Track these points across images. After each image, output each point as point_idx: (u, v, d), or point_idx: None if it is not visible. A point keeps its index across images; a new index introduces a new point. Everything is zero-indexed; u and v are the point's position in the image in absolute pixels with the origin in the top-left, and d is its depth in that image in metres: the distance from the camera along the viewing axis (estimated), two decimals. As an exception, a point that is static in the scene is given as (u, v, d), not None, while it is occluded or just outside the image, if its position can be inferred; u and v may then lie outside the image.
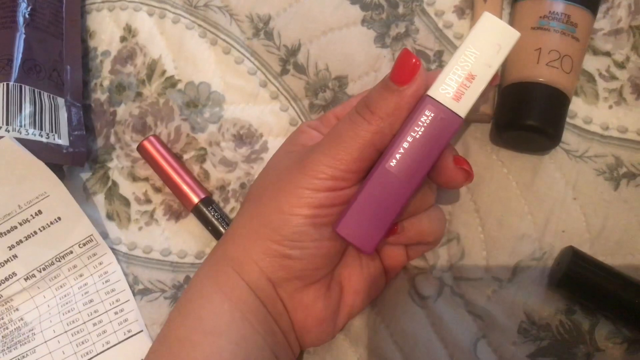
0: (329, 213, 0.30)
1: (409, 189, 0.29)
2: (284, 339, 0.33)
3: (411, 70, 0.29)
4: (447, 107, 0.29)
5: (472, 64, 0.29)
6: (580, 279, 0.36)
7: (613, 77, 0.40)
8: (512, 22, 0.40)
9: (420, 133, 0.29)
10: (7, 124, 0.37)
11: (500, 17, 0.40)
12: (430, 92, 0.29)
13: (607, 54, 0.40)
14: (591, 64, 0.40)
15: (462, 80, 0.29)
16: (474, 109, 0.30)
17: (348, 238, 0.30)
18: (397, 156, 0.29)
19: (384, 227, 0.30)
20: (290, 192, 0.31)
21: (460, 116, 0.29)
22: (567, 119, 0.39)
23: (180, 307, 0.32)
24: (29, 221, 0.39)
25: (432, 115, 0.29)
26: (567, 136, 0.39)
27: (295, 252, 0.31)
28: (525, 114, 0.36)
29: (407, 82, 0.29)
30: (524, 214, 0.38)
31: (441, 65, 0.41)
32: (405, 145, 0.29)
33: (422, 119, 0.29)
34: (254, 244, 0.31)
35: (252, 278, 0.31)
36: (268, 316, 0.32)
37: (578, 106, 0.40)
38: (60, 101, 0.41)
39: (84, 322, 0.39)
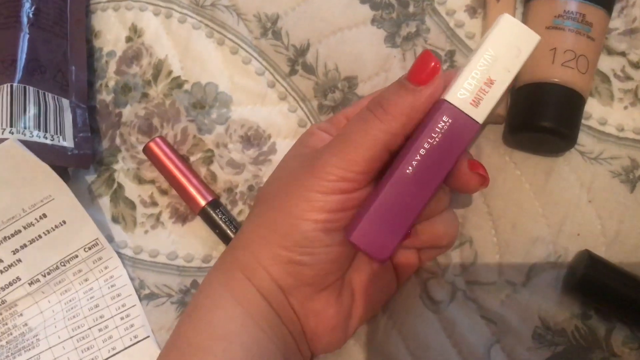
0: (339, 218, 0.30)
1: (425, 196, 0.29)
2: (295, 345, 0.32)
3: (431, 72, 0.28)
4: (465, 113, 0.28)
5: (491, 68, 0.28)
6: (596, 283, 0.35)
7: (628, 78, 0.39)
8: (525, 22, 0.39)
9: (437, 139, 0.28)
10: (11, 126, 0.37)
11: (514, 16, 0.40)
12: (448, 97, 0.28)
13: (622, 53, 0.40)
14: (606, 64, 0.40)
15: (480, 85, 0.28)
16: (491, 113, 0.29)
17: (362, 247, 0.29)
18: (414, 163, 0.28)
19: (399, 235, 0.29)
20: (300, 195, 0.30)
21: (478, 122, 0.28)
22: (582, 120, 0.38)
23: (190, 312, 0.32)
24: (33, 225, 0.38)
25: (450, 121, 0.28)
26: (582, 138, 0.39)
27: (305, 258, 0.30)
28: (540, 115, 0.35)
29: (425, 82, 0.28)
30: (538, 216, 0.38)
31: (452, 66, 0.41)
32: (422, 151, 0.28)
33: (439, 125, 0.28)
34: (263, 249, 0.31)
35: (263, 285, 0.31)
36: (279, 322, 0.31)
37: (593, 107, 0.39)
38: (65, 102, 0.40)
39: (90, 328, 0.38)
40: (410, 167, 0.28)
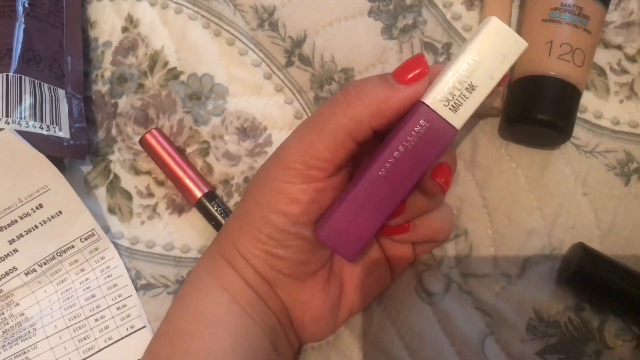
0: (310, 210, 0.29)
1: (396, 199, 0.28)
2: (283, 333, 0.33)
3: (416, 75, 0.28)
4: (443, 118, 0.27)
5: (473, 74, 0.27)
6: (590, 276, 0.35)
7: (624, 71, 0.39)
8: (522, 15, 0.39)
9: (412, 142, 0.27)
10: (7, 116, 0.37)
11: (511, 9, 0.40)
12: (427, 100, 0.27)
13: (619, 47, 0.40)
14: (602, 57, 0.40)
15: (461, 90, 0.27)
16: (472, 117, 0.28)
17: (330, 244, 0.28)
18: (387, 165, 0.28)
19: (367, 235, 0.28)
20: (268, 186, 0.30)
21: (455, 128, 0.27)
22: (578, 114, 0.38)
23: (179, 299, 0.32)
24: (29, 215, 0.38)
25: (427, 125, 0.27)
26: (577, 131, 0.39)
27: (279, 251, 0.30)
28: (536, 107, 0.35)
29: (407, 83, 0.28)
30: (533, 209, 0.38)
31: (449, 58, 0.41)
32: (396, 154, 0.27)
33: (416, 128, 0.27)
34: (242, 242, 0.31)
35: (247, 275, 0.31)
36: (266, 309, 0.31)
37: (588, 100, 0.39)
38: (61, 93, 0.40)
39: (86, 318, 0.38)
40: (383, 169, 0.28)
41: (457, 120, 0.27)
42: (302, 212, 0.29)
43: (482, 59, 0.27)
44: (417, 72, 0.28)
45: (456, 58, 0.27)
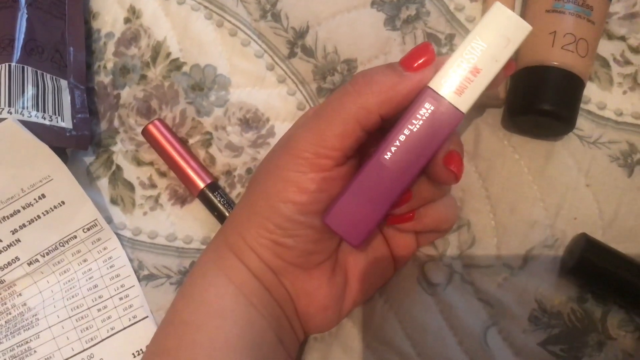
0: (318, 199, 0.29)
1: (402, 184, 0.28)
2: (288, 323, 0.33)
3: (424, 62, 0.28)
4: (449, 101, 0.27)
5: (478, 57, 0.27)
6: (592, 266, 0.35)
7: (627, 62, 0.39)
8: (526, 5, 0.39)
9: (418, 126, 0.27)
10: (9, 106, 0.37)
11: (514, 0, 0.40)
12: (432, 84, 0.28)
13: (622, 38, 0.40)
14: (605, 48, 0.40)
15: (466, 73, 0.27)
16: (477, 103, 0.28)
17: (336, 229, 0.29)
18: (393, 149, 0.28)
19: (373, 221, 0.28)
20: (277, 175, 0.30)
21: (461, 111, 0.27)
22: (581, 105, 0.38)
23: (184, 290, 0.32)
24: (32, 205, 0.38)
25: (432, 108, 0.27)
26: (581, 122, 0.39)
27: (287, 240, 0.30)
28: (540, 98, 0.35)
29: (414, 70, 0.28)
30: (536, 200, 0.38)
31: (452, 49, 0.41)
32: (402, 138, 0.28)
33: (421, 112, 0.27)
34: (249, 231, 0.31)
35: (253, 265, 0.31)
36: (272, 301, 0.31)
37: (592, 91, 0.39)
38: (63, 83, 0.40)
39: (89, 308, 0.38)
40: (389, 153, 0.28)
41: (463, 103, 0.27)
42: (311, 201, 0.29)
43: (487, 43, 0.27)
44: (424, 59, 0.28)
45: (461, 43, 0.28)
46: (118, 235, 0.40)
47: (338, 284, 0.33)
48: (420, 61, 0.28)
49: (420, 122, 0.27)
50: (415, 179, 0.29)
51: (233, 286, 0.30)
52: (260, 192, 0.31)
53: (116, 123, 0.42)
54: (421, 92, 0.28)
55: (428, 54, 0.28)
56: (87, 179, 0.41)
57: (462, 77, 0.27)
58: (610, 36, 0.40)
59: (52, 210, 0.38)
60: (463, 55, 0.27)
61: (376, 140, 0.31)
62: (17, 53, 0.38)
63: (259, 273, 0.31)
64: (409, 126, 0.27)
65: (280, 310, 0.32)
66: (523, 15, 0.39)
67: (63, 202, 0.38)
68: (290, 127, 0.35)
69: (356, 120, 0.28)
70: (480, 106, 0.39)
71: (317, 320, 0.33)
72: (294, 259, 0.31)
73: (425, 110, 0.27)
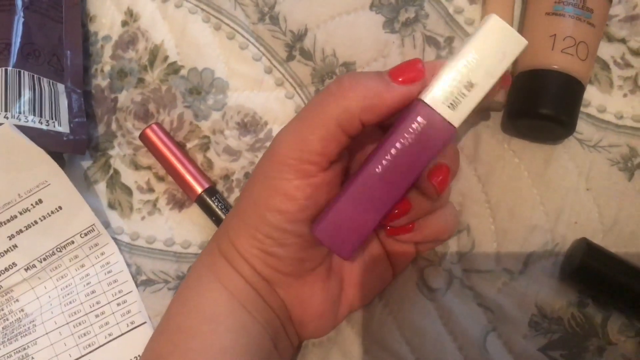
0: (304, 206, 0.29)
1: (394, 197, 0.28)
2: (282, 329, 0.32)
3: (412, 77, 0.28)
4: (441, 115, 0.27)
5: (472, 72, 0.27)
6: (593, 271, 0.35)
7: (628, 65, 0.39)
8: (526, 8, 0.39)
9: (410, 140, 0.27)
10: (5, 110, 0.36)
11: (514, 2, 0.39)
12: (425, 98, 0.27)
13: (622, 40, 0.39)
14: (606, 51, 0.39)
15: (460, 88, 0.27)
16: (472, 115, 0.28)
17: (326, 242, 0.28)
18: (384, 162, 0.27)
19: (364, 234, 0.28)
20: (262, 183, 0.29)
21: (453, 126, 0.27)
22: (581, 108, 0.38)
23: (179, 296, 0.32)
24: (29, 210, 0.38)
25: (425, 122, 0.27)
26: (581, 125, 0.38)
27: (277, 249, 0.30)
28: (540, 102, 0.35)
29: (402, 83, 0.28)
30: (536, 204, 0.38)
31: (452, 52, 0.40)
32: (393, 151, 0.27)
33: (413, 126, 0.27)
34: (239, 241, 0.31)
35: (245, 273, 0.31)
36: (266, 307, 0.31)
37: (592, 94, 0.39)
38: (61, 87, 0.40)
39: (86, 314, 0.38)
40: (380, 166, 0.27)
41: (456, 118, 0.27)
42: (298, 209, 0.29)
43: (482, 57, 0.27)
44: (411, 75, 0.28)
45: (455, 55, 0.27)
46: (116, 240, 0.40)
47: (333, 290, 0.33)
48: (407, 76, 0.28)
49: (412, 135, 0.27)
50: (407, 192, 0.29)
51: (227, 292, 0.30)
52: (249, 200, 0.30)
53: (114, 127, 0.42)
54: (414, 105, 0.27)
55: (416, 71, 0.28)
56: (84, 184, 0.41)
57: (455, 91, 0.27)
58: (611, 39, 0.39)
59: (49, 216, 0.38)
60: (458, 69, 0.27)
61: (368, 146, 0.31)
62: (13, 57, 0.38)
63: (251, 281, 0.31)
64: (401, 139, 0.27)
65: (274, 316, 0.32)
66: (523, 17, 0.39)
67: (60, 207, 0.38)
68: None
69: (337, 123, 0.28)
70: (480, 110, 0.39)
71: (312, 327, 0.33)
72: (285, 267, 0.30)
73: (418, 123, 0.27)
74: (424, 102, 0.27)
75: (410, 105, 0.28)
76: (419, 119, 0.27)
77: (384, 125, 0.30)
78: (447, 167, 0.29)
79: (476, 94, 0.27)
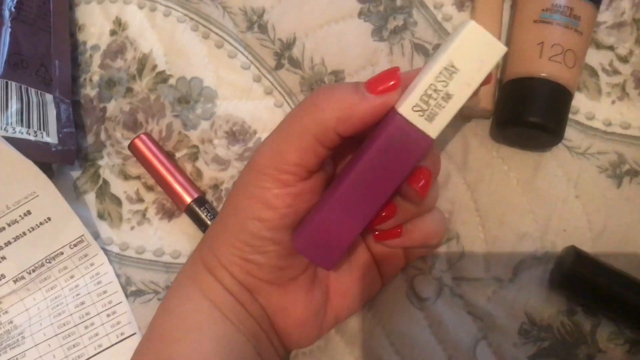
0: (284, 215, 0.29)
1: (373, 208, 0.28)
2: (266, 338, 0.32)
3: (388, 87, 0.27)
4: (418, 127, 0.26)
5: (449, 82, 0.26)
6: (582, 279, 0.35)
7: (616, 72, 0.39)
8: (514, 15, 0.39)
9: (387, 151, 0.27)
10: (-7, 122, 0.36)
11: (502, 10, 0.39)
12: (402, 110, 0.26)
13: (610, 47, 0.39)
14: (594, 58, 0.39)
15: (437, 99, 0.26)
16: (448, 128, 0.27)
17: (306, 254, 0.28)
18: (362, 173, 0.27)
19: (344, 245, 0.28)
20: (244, 193, 0.29)
21: (431, 137, 0.27)
22: (570, 115, 0.37)
23: (162, 305, 0.32)
24: (17, 222, 0.37)
25: (401, 134, 0.26)
26: (569, 132, 0.38)
27: (256, 257, 0.30)
28: (527, 110, 0.35)
29: (378, 94, 0.27)
30: (525, 212, 0.38)
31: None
32: (371, 162, 0.27)
33: (390, 137, 0.26)
34: (220, 249, 0.31)
35: (226, 282, 0.31)
36: (248, 316, 0.31)
37: (580, 101, 0.39)
38: (49, 97, 0.40)
39: (75, 325, 0.38)
40: (358, 177, 0.27)
41: (433, 129, 0.26)
42: (278, 217, 0.29)
43: (459, 66, 0.26)
44: (389, 84, 0.27)
45: (432, 64, 0.26)
46: (105, 250, 0.40)
47: (317, 299, 0.32)
48: (385, 86, 0.27)
49: (390, 146, 0.27)
50: (389, 200, 0.29)
51: (208, 301, 0.30)
52: (230, 209, 0.30)
53: (103, 136, 0.42)
54: (391, 116, 0.27)
55: (394, 79, 0.27)
56: (74, 194, 0.41)
57: (432, 102, 0.26)
58: (599, 45, 0.40)
59: (38, 227, 0.38)
60: (434, 80, 0.26)
61: (353, 150, 0.30)
62: (1, 68, 0.38)
63: (232, 290, 0.31)
64: (379, 151, 0.27)
65: (257, 325, 0.31)
66: (511, 25, 0.39)
67: (49, 219, 0.38)
68: None
69: (313, 134, 0.28)
70: (468, 117, 0.39)
71: (296, 336, 0.33)
72: (265, 275, 0.30)
73: (394, 135, 0.26)
74: (401, 115, 0.26)
75: (387, 116, 0.27)
76: (396, 131, 0.26)
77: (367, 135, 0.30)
78: (429, 170, 0.28)
79: (454, 105, 0.26)
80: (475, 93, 0.27)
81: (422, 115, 0.26)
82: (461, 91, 0.26)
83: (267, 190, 0.28)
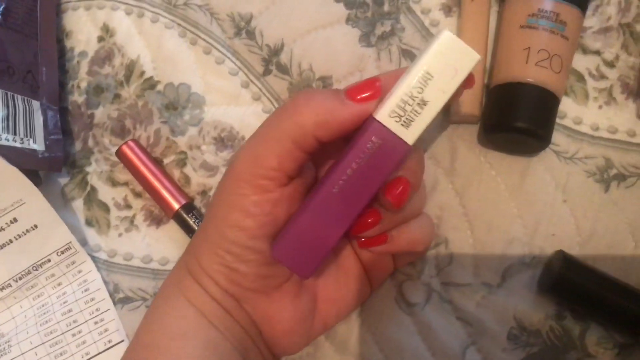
0: (263, 222, 0.29)
1: (351, 215, 0.28)
2: (254, 346, 0.32)
3: (368, 96, 0.28)
4: (395, 134, 0.27)
5: (424, 89, 0.27)
6: (570, 284, 0.35)
7: (603, 77, 0.39)
8: (500, 21, 0.39)
9: (365, 159, 0.27)
10: (-22, 130, 0.36)
11: (489, 15, 0.39)
12: (379, 116, 0.27)
13: (597, 52, 0.40)
14: (581, 63, 0.39)
15: (413, 106, 0.27)
16: (425, 134, 0.28)
17: (284, 263, 0.28)
18: (340, 182, 0.27)
19: (322, 253, 0.28)
20: (223, 199, 0.29)
21: (408, 143, 0.27)
22: (557, 120, 0.38)
23: (148, 313, 0.32)
24: (3, 229, 0.37)
25: (379, 141, 0.27)
26: (557, 137, 0.38)
27: (239, 265, 0.29)
28: (514, 115, 0.35)
29: (357, 102, 0.28)
30: (514, 217, 0.38)
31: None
32: (349, 171, 0.27)
33: (368, 145, 0.27)
34: (203, 258, 0.30)
35: (211, 290, 0.30)
36: (234, 323, 0.31)
37: (568, 106, 0.39)
38: (36, 104, 0.40)
39: (63, 333, 0.38)
40: (336, 186, 0.27)
41: (410, 135, 0.27)
42: (257, 226, 0.28)
43: (434, 74, 0.27)
44: (368, 94, 0.28)
45: (409, 71, 0.27)
46: (93, 257, 0.39)
47: (304, 307, 0.32)
48: (364, 95, 0.28)
49: (368, 152, 0.27)
50: (367, 207, 0.29)
51: (194, 309, 0.30)
52: (211, 216, 0.30)
53: (90, 143, 0.41)
54: (368, 124, 0.27)
55: (374, 89, 0.28)
56: (61, 201, 0.41)
57: (409, 109, 0.27)
58: (585, 50, 0.40)
59: (25, 234, 0.38)
60: (410, 87, 0.27)
61: (334, 157, 0.30)
62: (-14, 75, 0.38)
63: (217, 298, 0.30)
64: (357, 157, 0.27)
65: (244, 332, 0.31)
66: (497, 31, 0.39)
67: (36, 226, 0.38)
68: None
69: (291, 139, 0.28)
70: (456, 123, 0.39)
71: (283, 344, 0.33)
72: (249, 284, 0.30)
73: (372, 142, 0.27)
74: (378, 121, 0.27)
75: (366, 122, 0.28)
76: (374, 138, 0.27)
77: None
78: (406, 179, 0.28)
79: (429, 111, 0.27)
80: (456, 98, 0.27)
81: (399, 122, 0.27)
82: (437, 98, 0.27)
83: (245, 197, 0.28)
